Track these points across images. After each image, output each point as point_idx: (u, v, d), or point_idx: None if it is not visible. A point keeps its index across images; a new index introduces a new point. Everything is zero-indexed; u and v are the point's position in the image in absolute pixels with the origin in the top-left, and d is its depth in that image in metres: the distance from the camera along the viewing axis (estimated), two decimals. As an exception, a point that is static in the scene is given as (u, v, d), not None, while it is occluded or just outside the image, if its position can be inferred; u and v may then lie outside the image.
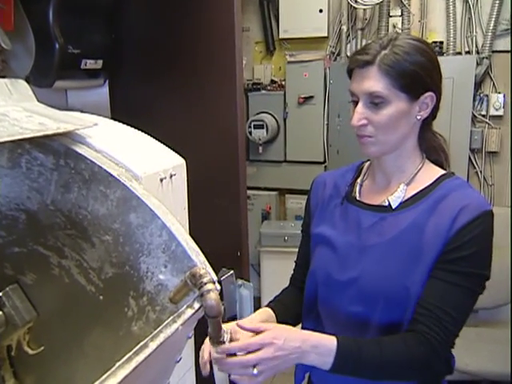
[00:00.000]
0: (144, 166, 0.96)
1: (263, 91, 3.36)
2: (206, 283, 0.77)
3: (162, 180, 1.01)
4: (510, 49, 2.85)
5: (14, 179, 0.96)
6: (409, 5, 3.02)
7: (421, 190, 1.06)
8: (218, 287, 0.79)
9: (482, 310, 2.67)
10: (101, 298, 0.95)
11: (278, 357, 0.87)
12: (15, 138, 0.78)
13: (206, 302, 0.77)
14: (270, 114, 3.28)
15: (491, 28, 2.87)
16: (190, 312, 0.80)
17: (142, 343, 0.70)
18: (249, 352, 0.88)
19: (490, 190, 3.04)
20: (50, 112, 0.97)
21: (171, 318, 0.78)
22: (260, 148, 3.28)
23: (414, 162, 1.09)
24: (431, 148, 1.11)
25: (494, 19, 2.86)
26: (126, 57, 1.92)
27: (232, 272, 1.57)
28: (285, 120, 3.30)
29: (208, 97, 1.80)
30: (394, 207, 1.06)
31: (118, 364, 0.65)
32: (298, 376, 1.21)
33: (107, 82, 1.93)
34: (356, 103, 1.03)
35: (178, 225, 0.88)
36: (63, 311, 0.99)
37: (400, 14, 3.05)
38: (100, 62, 1.73)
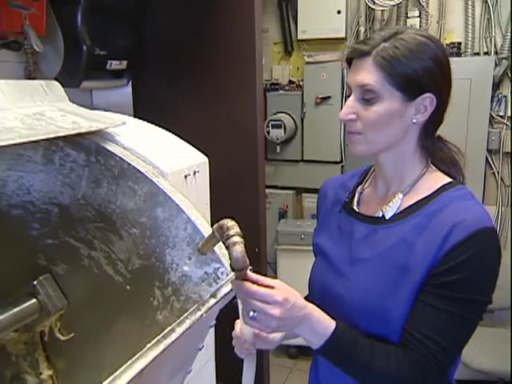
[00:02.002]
0: (169, 163, 1.02)
1: (281, 91, 3.40)
2: (232, 235, 0.77)
3: (186, 177, 1.06)
4: (528, 50, 2.85)
5: (48, 175, 1.02)
6: (427, 6, 3.03)
7: (417, 201, 0.96)
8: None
9: (497, 311, 2.68)
10: (128, 287, 1.00)
11: (280, 318, 0.83)
12: (51, 136, 0.84)
13: (232, 254, 0.76)
14: (287, 113, 3.32)
15: (510, 29, 2.87)
16: (213, 301, 0.85)
17: (169, 328, 0.75)
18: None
19: (507, 191, 3.03)
20: (82, 111, 1.03)
21: (196, 305, 0.83)
22: (278, 147, 3.32)
23: (414, 169, 0.99)
24: (439, 158, 1.01)
25: (514, 19, 2.86)
26: (148, 58, 1.98)
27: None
28: (302, 120, 3.34)
29: (228, 97, 1.85)
30: (387, 218, 0.98)
31: (148, 345, 0.70)
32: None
33: (130, 81, 1.99)
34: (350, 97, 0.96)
35: (202, 219, 0.93)
36: (92, 300, 1.05)
37: (418, 14, 3.05)
38: (124, 62, 1.79)
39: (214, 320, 0.99)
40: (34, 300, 1.02)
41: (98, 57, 1.66)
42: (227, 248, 0.77)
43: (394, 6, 3.02)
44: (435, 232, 0.90)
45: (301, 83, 3.36)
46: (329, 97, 3.22)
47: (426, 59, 0.90)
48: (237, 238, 0.76)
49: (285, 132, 3.25)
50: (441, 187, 0.96)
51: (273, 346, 0.90)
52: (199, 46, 1.91)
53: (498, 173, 3.03)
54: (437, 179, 0.99)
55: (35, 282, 1.02)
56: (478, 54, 2.98)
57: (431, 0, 3.03)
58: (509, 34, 2.88)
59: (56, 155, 1.00)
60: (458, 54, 2.98)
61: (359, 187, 1.09)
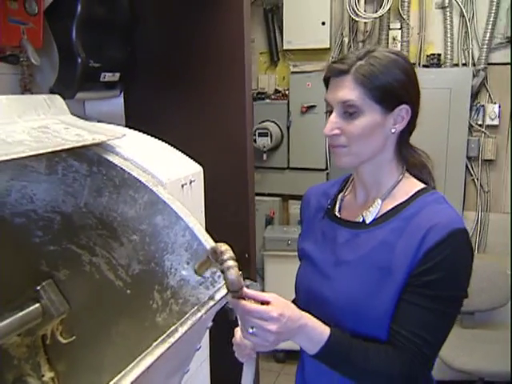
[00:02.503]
0: (167, 173, 1.07)
1: (267, 100, 3.48)
2: (227, 259, 0.81)
3: (183, 186, 1.11)
4: (506, 61, 2.97)
5: (51, 184, 1.06)
6: (408, 18, 3.14)
7: (395, 206, 1.04)
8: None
9: (478, 313, 2.77)
10: (128, 292, 1.05)
11: (277, 332, 0.88)
12: (59, 149, 0.89)
13: (228, 278, 0.80)
14: (274, 122, 3.39)
15: (487, 41, 2.99)
16: (211, 303, 0.91)
17: (173, 328, 0.81)
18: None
19: (486, 197, 3.14)
20: (83, 124, 1.08)
21: (196, 307, 0.88)
22: (264, 155, 3.38)
23: (391, 176, 1.07)
24: (411, 164, 1.09)
25: (489, 33, 2.97)
26: (139, 68, 2.03)
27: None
28: (288, 128, 3.41)
29: (218, 107, 1.92)
30: (367, 222, 1.05)
31: (154, 344, 0.75)
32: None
33: (122, 92, 2.04)
34: (331, 113, 1.02)
35: (200, 226, 0.99)
36: (93, 304, 1.10)
37: (399, 26, 3.16)
38: (117, 74, 1.85)
39: (211, 321, 1.04)
40: (38, 305, 1.06)
41: (92, 69, 1.70)
42: (222, 272, 0.82)
43: (377, 18, 3.13)
44: (413, 235, 0.97)
45: (286, 92, 3.44)
46: (314, 106, 3.31)
47: (398, 73, 0.99)
48: (231, 262, 0.81)
49: (271, 140, 3.32)
50: (416, 192, 1.05)
51: (272, 348, 0.96)
52: (189, 56, 1.97)
53: (477, 179, 3.14)
54: (412, 185, 1.07)
55: (38, 288, 1.06)
56: (456, 65, 3.10)
57: (412, 13, 3.14)
58: (485, 47, 3.00)
59: (59, 166, 1.04)
60: (438, 65, 3.10)
61: (340, 194, 1.16)
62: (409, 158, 1.09)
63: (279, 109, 3.41)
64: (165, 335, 0.78)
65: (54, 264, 1.10)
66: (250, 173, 1.84)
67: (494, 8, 2.95)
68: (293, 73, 3.39)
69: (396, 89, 0.99)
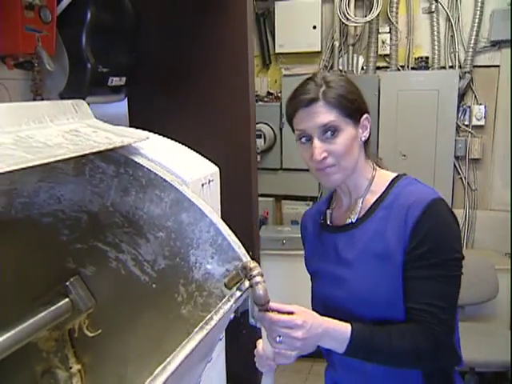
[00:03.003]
0: (189, 173, 1.13)
1: (260, 103, 3.55)
2: (255, 276, 0.92)
3: (203, 185, 1.18)
4: (490, 64, 3.09)
5: (78, 185, 1.12)
6: (396, 22, 3.25)
7: (376, 199, 1.14)
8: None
9: (468, 306, 2.87)
10: (154, 286, 1.11)
11: (303, 338, 0.97)
12: (94, 151, 0.94)
13: (256, 292, 0.92)
14: (267, 124, 3.47)
15: (472, 45, 3.11)
16: (238, 293, 0.97)
17: (208, 316, 0.87)
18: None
19: (473, 195, 3.26)
20: (108, 127, 1.14)
21: (226, 297, 0.95)
22: (258, 156, 3.45)
23: (365, 176, 1.17)
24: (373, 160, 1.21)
25: (474, 37, 3.10)
26: (143, 72, 2.09)
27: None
28: (281, 130, 3.49)
29: (221, 110, 1.98)
30: (354, 222, 1.15)
31: (195, 330, 0.81)
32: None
33: (126, 96, 2.09)
34: (308, 141, 1.11)
35: (223, 222, 1.06)
36: (118, 298, 1.15)
37: (388, 30, 3.27)
38: (124, 79, 1.90)
39: (233, 313, 1.11)
40: (67, 299, 1.11)
41: (101, 74, 1.76)
42: (251, 286, 0.92)
43: (366, 22, 3.23)
44: (397, 217, 1.08)
45: (279, 95, 3.52)
46: (306, 108, 3.38)
47: (354, 89, 1.13)
48: (259, 278, 0.91)
49: (265, 142, 3.40)
50: (391, 182, 1.16)
51: (291, 361, 1.04)
52: (191, 60, 2.03)
53: (464, 178, 3.25)
54: (386, 176, 1.18)
55: (68, 283, 1.12)
56: (444, 67, 3.21)
57: (400, 17, 3.25)
58: (470, 50, 3.12)
59: (86, 167, 1.10)
60: (426, 68, 3.21)
61: (328, 210, 1.26)
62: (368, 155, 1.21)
63: (272, 111, 3.48)
64: (202, 323, 0.84)
65: (81, 261, 1.15)
66: (253, 174, 1.91)
67: (478, 13, 3.08)
68: (285, 76, 3.47)
69: (358, 102, 1.12)
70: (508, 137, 3.07)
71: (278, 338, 0.98)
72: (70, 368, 1.17)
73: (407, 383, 1.14)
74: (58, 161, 0.86)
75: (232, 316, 1.04)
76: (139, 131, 1.21)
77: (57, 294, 1.13)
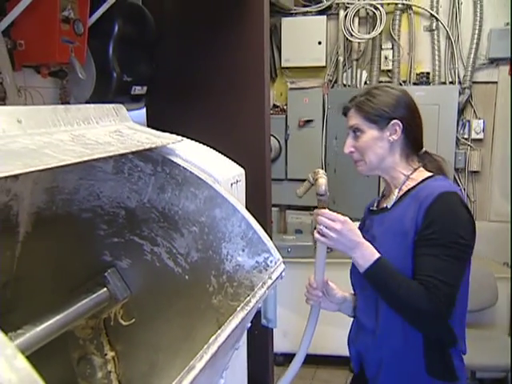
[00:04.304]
0: (220, 173, 1.22)
1: (266, 115, 3.65)
2: (320, 176, 1.32)
3: (232, 184, 1.27)
4: (488, 80, 3.22)
5: (117, 183, 1.20)
6: (399, 39, 3.37)
7: (407, 191, 1.34)
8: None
9: (468, 313, 2.94)
10: (186, 277, 1.19)
11: (339, 232, 1.24)
12: (140, 149, 1.03)
13: (318, 183, 1.31)
14: (272, 135, 3.56)
15: (471, 62, 3.24)
16: (270, 281, 1.05)
17: (244, 301, 0.95)
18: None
19: (472, 206, 3.36)
20: (146, 129, 1.23)
21: (260, 284, 1.03)
22: (264, 167, 3.55)
23: (402, 172, 1.37)
24: (431, 167, 1.39)
25: (473, 54, 3.23)
26: (161, 84, 2.18)
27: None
28: (286, 141, 3.59)
29: (237, 121, 2.07)
30: (389, 207, 1.37)
31: (238, 309, 0.89)
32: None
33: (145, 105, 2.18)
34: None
35: (253, 218, 1.14)
36: (152, 289, 1.23)
37: (391, 47, 3.40)
38: (145, 88, 2.00)
39: (260, 303, 1.19)
40: (105, 289, 1.19)
41: (125, 83, 1.85)
42: (316, 180, 1.32)
43: (370, 38, 3.35)
44: (415, 205, 1.28)
45: (285, 107, 3.62)
46: (311, 120, 3.50)
47: (387, 100, 1.35)
48: (322, 175, 1.31)
49: (270, 152, 3.49)
50: (424, 179, 1.34)
51: (334, 308, 1.38)
52: (209, 71, 2.12)
53: (464, 189, 3.35)
54: (423, 174, 1.36)
55: (106, 274, 1.20)
56: (444, 83, 3.33)
57: (402, 34, 3.38)
58: (470, 67, 3.25)
59: (125, 166, 1.19)
60: (427, 83, 3.33)
61: (377, 198, 1.52)
62: (426, 164, 1.40)
63: (278, 123, 3.58)
64: (243, 304, 0.92)
65: (117, 254, 1.23)
66: (267, 184, 1.99)
67: (476, 32, 3.21)
68: (291, 89, 3.58)
69: (384, 111, 1.34)
70: (506, 150, 3.18)
71: (319, 227, 1.27)
72: (105, 355, 1.24)
73: (408, 347, 1.30)
74: (111, 156, 0.95)
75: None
76: (173, 135, 1.30)
77: (95, 284, 1.20)
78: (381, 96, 1.36)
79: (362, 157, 1.37)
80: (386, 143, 1.34)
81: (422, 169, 1.38)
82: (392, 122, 1.33)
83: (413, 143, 1.38)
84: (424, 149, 1.43)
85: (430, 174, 1.36)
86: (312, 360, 2.04)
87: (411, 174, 1.36)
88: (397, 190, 1.37)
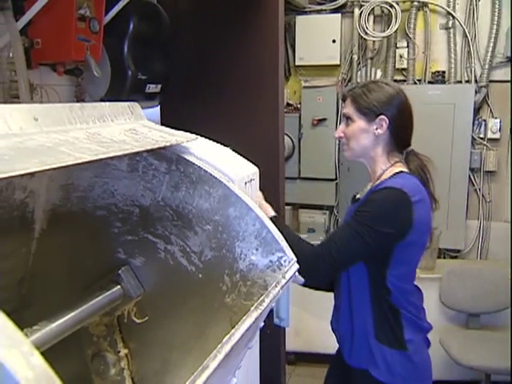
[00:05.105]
0: (234, 172, 1.22)
1: (279, 113, 3.65)
2: None
3: (246, 183, 1.26)
4: (506, 79, 3.17)
5: (131, 181, 1.21)
6: (414, 37, 3.34)
7: (376, 184, 1.46)
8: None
9: (483, 315, 2.92)
10: (200, 276, 1.19)
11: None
12: (155, 147, 1.03)
13: None
14: (286, 134, 3.55)
15: (488, 60, 3.19)
16: (284, 280, 1.05)
17: (258, 301, 0.95)
18: None
19: (488, 207, 3.32)
20: (160, 127, 1.23)
21: (273, 284, 1.02)
22: (277, 165, 3.54)
23: (380, 166, 1.48)
24: (412, 167, 1.48)
25: (490, 52, 3.18)
26: (175, 82, 2.19)
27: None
28: (299, 140, 3.58)
29: (250, 119, 2.07)
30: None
31: (252, 308, 0.89)
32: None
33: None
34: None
35: (267, 217, 1.14)
36: (166, 287, 1.23)
37: (406, 45, 3.37)
38: (159, 86, 2.00)
39: (274, 303, 1.18)
40: (119, 287, 1.20)
41: (140, 81, 1.86)
42: None
43: (385, 37, 3.33)
44: (365, 195, 1.44)
45: (298, 106, 3.61)
46: (325, 119, 3.48)
47: (379, 95, 1.45)
48: None
49: (284, 151, 3.48)
50: (393, 174, 1.44)
51: None
52: (222, 70, 2.12)
53: (479, 189, 3.32)
54: (393, 170, 1.46)
55: (119, 271, 1.20)
56: (460, 81, 3.29)
57: (418, 32, 3.35)
58: (486, 65, 3.20)
59: (140, 164, 1.19)
60: (443, 82, 3.29)
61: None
62: (409, 162, 1.49)
63: (291, 121, 3.57)
64: (256, 303, 0.92)
65: (131, 252, 1.24)
66: (281, 183, 1.99)
67: (494, 29, 3.17)
68: (304, 87, 3.57)
69: (375, 106, 1.44)
70: (523, 150, 3.14)
71: None
72: (119, 352, 1.25)
73: (362, 319, 1.46)
74: (126, 154, 0.95)
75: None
76: (187, 133, 1.30)
77: (109, 281, 1.21)
78: (375, 91, 1.46)
79: (348, 142, 1.50)
80: (371, 135, 1.46)
81: (399, 164, 1.48)
82: (380, 117, 1.44)
83: (397, 140, 1.48)
84: (411, 147, 1.51)
85: (402, 169, 1.45)
86: (325, 359, 2.03)
87: (387, 168, 1.47)
88: (370, 184, 1.51)
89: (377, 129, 1.45)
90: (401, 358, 1.43)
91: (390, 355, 1.43)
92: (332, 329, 1.62)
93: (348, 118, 1.48)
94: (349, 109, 1.48)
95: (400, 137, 1.49)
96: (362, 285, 1.45)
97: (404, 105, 1.48)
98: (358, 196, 1.55)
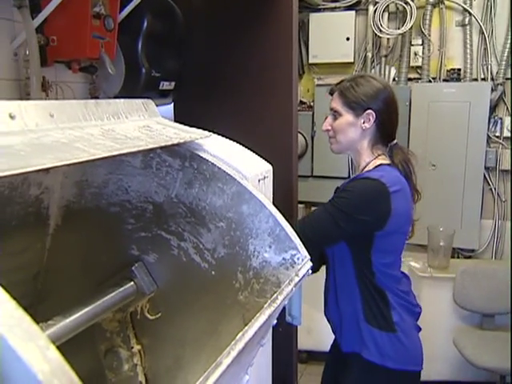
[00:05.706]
0: (248, 169, 1.22)
1: (292, 111, 3.63)
2: None
3: (259, 180, 1.26)
4: (522, 77, 3.13)
5: (145, 177, 1.21)
6: (429, 34, 3.31)
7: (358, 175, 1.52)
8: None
9: (497, 316, 2.89)
10: (213, 273, 1.19)
11: None
12: (169, 144, 1.03)
13: None
14: (299, 132, 3.54)
15: (505, 57, 3.15)
16: (297, 278, 1.05)
17: (271, 298, 0.94)
18: None
19: (503, 206, 3.28)
20: (174, 124, 1.23)
21: (286, 281, 1.02)
22: (289, 163, 3.53)
23: (364, 159, 1.53)
24: (396, 160, 1.52)
25: (507, 49, 3.14)
26: (189, 79, 2.19)
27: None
28: (312, 138, 3.57)
29: (264, 118, 2.06)
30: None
31: (265, 305, 0.89)
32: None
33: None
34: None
35: (280, 214, 1.13)
36: (179, 284, 1.24)
37: (421, 43, 3.33)
38: (173, 83, 2.00)
39: (286, 301, 1.18)
40: (132, 283, 1.20)
41: (154, 78, 1.86)
42: None
43: (399, 34, 3.30)
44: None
45: (311, 104, 3.60)
46: (338, 117, 3.46)
47: (367, 90, 1.47)
48: None
49: (297, 149, 3.47)
50: (373, 168, 1.48)
51: None
52: (236, 67, 2.11)
53: (494, 189, 3.28)
54: (375, 163, 1.50)
55: (133, 268, 1.21)
56: (476, 79, 3.25)
57: (433, 29, 3.31)
58: (503, 63, 3.16)
59: (154, 161, 1.19)
60: (458, 79, 3.25)
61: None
62: (394, 155, 1.53)
63: (304, 119, 3.55)
64: (270, 300, 0.92)
65: (144, 248, 1.24)
66: (294, 181, 1.98)
67: (511, 26, 3.12)
68: (318, 85, 3.55)
69: (363, 100, 1.47)
70: (540, 149, 3.09)
71: None
72: (132, 348, 1.26)
73: (349, 302, 1.51)
74: (140, 151, 0.95)
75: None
76: (201, 130, 1.30)
77: (122, 278, 1.22)
78: (363, 86, 1.48)
79: (335, 135, 1.53)
80: (358, 129, 1.49)
81: (381, 157, 1.52)
82: (367, 112, 1.47)
83: (382, 134, 1.52)
84: (395, 141, 1.55)
85: (383, 162, 1.49)
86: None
87: (370, 161, 1.51)
88: (354, 174, 1.57)
89: (364, 122, 1.48)
90: (390, 340, 1.47)
91: (379, 337, 1.47)
92: (327, 319, 1.67)
93: (335, 112, 1.51)
94: (336, 103, 1.51)
95: (385, 130, 1.52)
96: (346, 269, 1.50)
97: (390, 99, 1.51)
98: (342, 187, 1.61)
